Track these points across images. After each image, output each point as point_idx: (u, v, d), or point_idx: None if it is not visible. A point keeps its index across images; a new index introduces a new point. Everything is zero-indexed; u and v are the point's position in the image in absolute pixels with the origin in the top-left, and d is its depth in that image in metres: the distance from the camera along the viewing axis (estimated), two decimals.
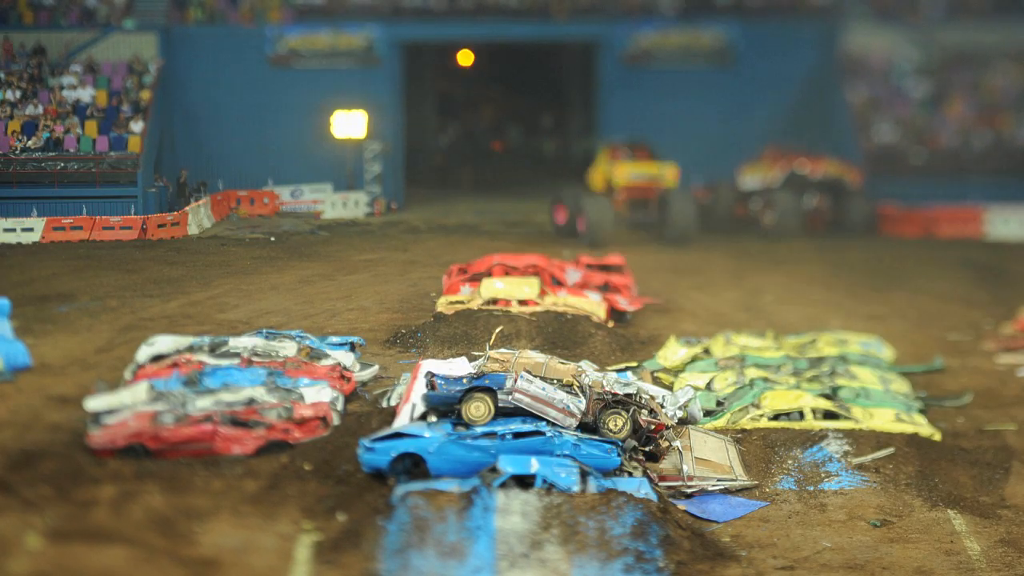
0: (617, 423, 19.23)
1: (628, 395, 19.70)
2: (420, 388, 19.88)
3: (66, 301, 28.12)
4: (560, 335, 25.73)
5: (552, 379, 19.77)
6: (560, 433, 18.68)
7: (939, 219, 40.26)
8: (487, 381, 19.13)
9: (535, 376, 19.49)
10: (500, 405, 18.97)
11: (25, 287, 28.74)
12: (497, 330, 24.19)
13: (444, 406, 19.20)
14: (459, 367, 21.13)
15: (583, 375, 20.28)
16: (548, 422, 18.89)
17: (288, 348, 23.18)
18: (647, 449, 19.62)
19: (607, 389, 19.79)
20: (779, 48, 42.92)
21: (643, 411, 19.67)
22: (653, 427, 19.65)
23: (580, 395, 19.42)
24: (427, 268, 32.66)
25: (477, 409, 18.94)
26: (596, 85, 45.31)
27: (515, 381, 19.07)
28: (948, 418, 23.15)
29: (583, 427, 19.11)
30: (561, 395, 19.16)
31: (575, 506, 16.74)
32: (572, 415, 19.01)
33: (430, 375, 19.62)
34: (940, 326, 29.78)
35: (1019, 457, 21.29)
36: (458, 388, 19.17)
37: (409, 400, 19.88)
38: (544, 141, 56.64)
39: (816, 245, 38.64)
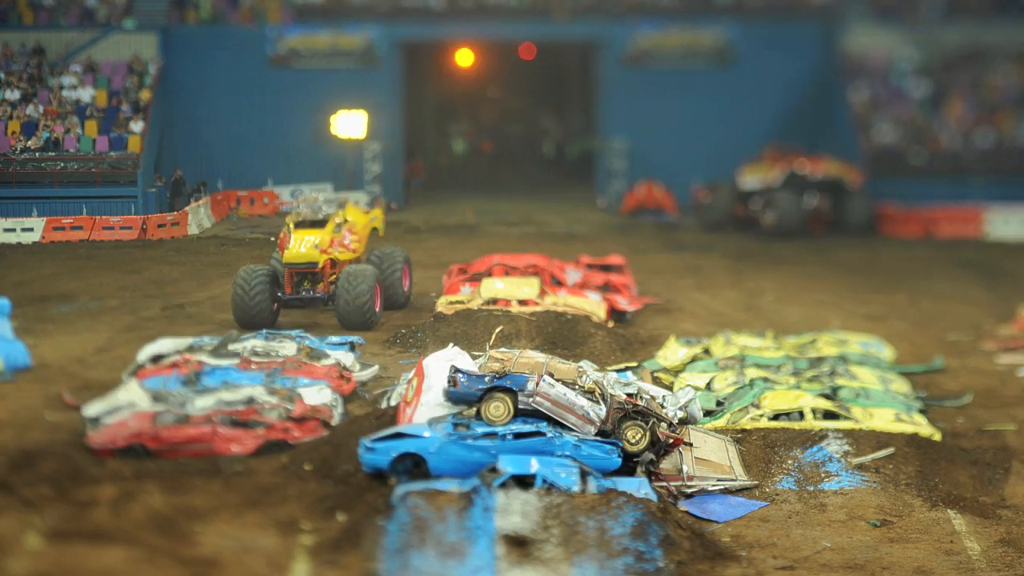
0: (636, 435, 19.10)
1: (648, 407, 19.62)
2: (429, 387, 19.70)
3: (66, 301, 28.14)
4: (560, 335, 25.73)
5: (573, 384, 19.67)
6: (560, 433, 18.67)
7: (939, 219, 40.24)
8: (508, 382, 19.02)
9: (557, 380, 19.40)
10: (520, 407, 18.88)
11: (25, 287, 28.75)
12: (497, 330, 24.19)
13: (464, 403, 19.15)
14: (458, 359, 20.87)
15: (585, 375, 20.25)
16: (562, 425, 18.82)
17: (288, 348, 23.20)
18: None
19: (628, 399, 19.72)
20: (779, 48, 42.88)
21: (662, 424, 19.58)
22: (671, 441, 19.58)
23: (601, 402, 19.33)
24: (427, 268, 32.64)
25: (496, 409, 18.82)
26: (596, 85, 45.30)
27: (538, 384, 18.99)
28: (948, 418, 23.15)
29: (601, 435, 19.02)
30: (582, 401, 19.06)
31: (575, 506, 16.74)
32: (592, 422, 18.93)
33: (453, 369, 19.53)
34: (940, 326, 29.78)
35: (1019, 457, 21.29)
36: (479, 387, 19.06)
37: (419, 398, 19.68)
38: (544, 141, 56.65)
39: (816, 245, 38.64)
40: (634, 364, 24.74)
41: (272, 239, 35.80)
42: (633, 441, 19.07)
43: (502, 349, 22.06)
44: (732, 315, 29.95)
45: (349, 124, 40.11)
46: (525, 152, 55.36)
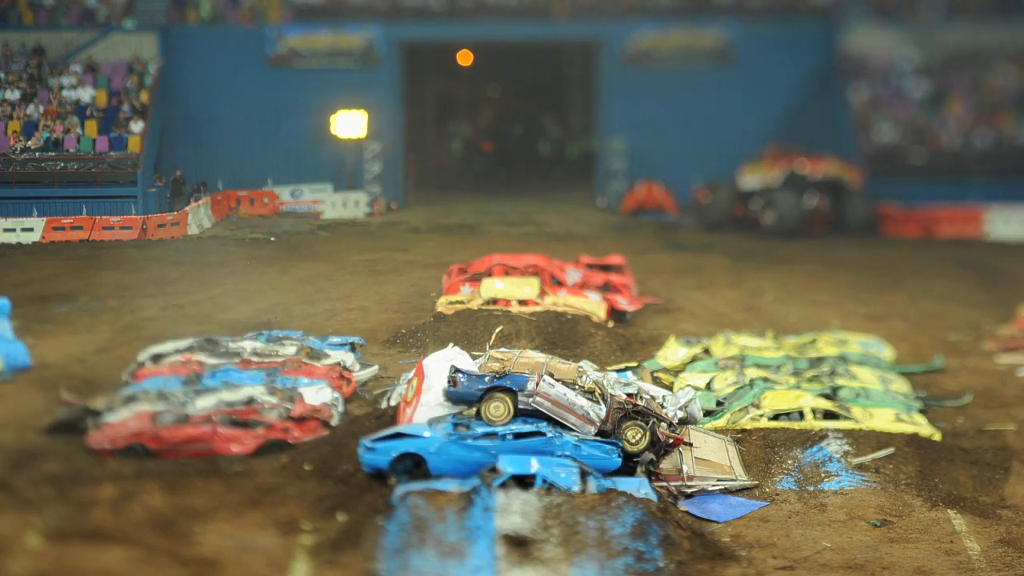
0: (636, 434, 19.11)
1: (648, 407, 19.64)
2: (429, 387, 19.71)
3: (66, 301, 28.13)
4: (560, 335, 25.73)
5: (573, 383, 19.68)
6: (560, 433, 18.68)
7: (939, 219, 40.23)
8: (508, 382, 19.05)
9: (557, 380, 19.41)
10: (520, 407, 18.89)
11: (25, 287, 28.74)
12: (497, 330, 24.20)
13: (464, 403, 19.17)
14: (458, 359, 20.89)
15: (585, 375, 20.25)
16: (562, 425, 18.83)
17: (288, 348, 23.21)
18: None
19: (628, 399, 19.73)
20: (779, 48, 42.86)
21: (662, 424, 19.59)
22: (671, 441, 19.59)
23: (601, 402, 19.33)
24: (427, 268, 32.66)
25: (496, 409, 18.84)
26: (596, 85, 45.30)
27: (538, 384, 18.99)
28: (948, 418, 23.16)
29: (601, 434, 19.03)
30: (582, 401, 19.07)
31: (575, 506, 16.75)
32: (592, 422, 18.95)
33: (453, 369, 19.55)
34: (940, 326, 29.78)
35: (1019, 457, 21.30)
36: (479, 387, 19.08)
37: (419, 398, 19.69)
38: (540, 141, 56.62)
39: (816, 245, 38.63)
40: (634, 364, 24.74)
41: (272, 239, 35.90)
42: (633, 441, 19.07)
43: (502, 349, 22.06)
44: (732, 315, 29.95)
45: (349, 124, 40.11)
46: (525, 152, 55.34)
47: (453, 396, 19.21)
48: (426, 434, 18.48)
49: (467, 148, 54.70)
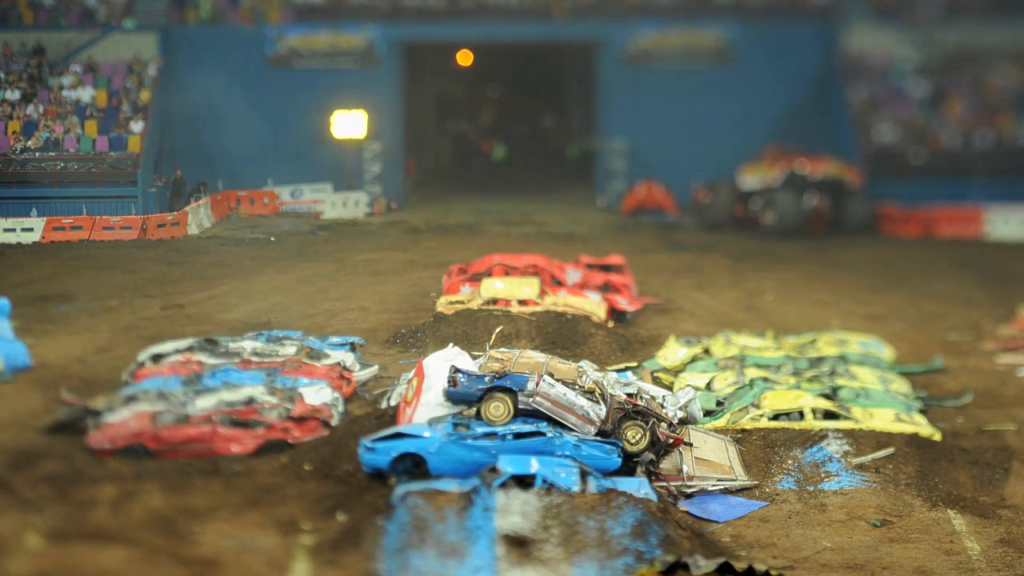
0: (636, 435, 19.12)
1: (648, 407, 19.65)
2: (429, 387, 19.72)
3: (66, 301, 28.14)
4: (560, 335, 25.73)
5: (573, 383, 19.68)
6: (560, 433, 18.68)
7: (939, 219, 40.24)
8: (508, 382, 19.06)
9: (557, 380, 19.42)
10: (520, 407, 18.90)
11: (25, 287, 28.74)
12: (497, 330, 24.19)
13: (464, 403, 19.18)
14: (458, 359, 20.90)
15: (585, 375, 20.26)
16: (562, 425, 18.84)
17: (288, 348, 23.22)
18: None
19: (628, 399, 19.74)
20: (779, 48, 42.89)
21: (662, 424, 19.60)
22: (671, 441, 19.60)
23: (601, 402, 19.33)
24: (427, 268, 32.67)
25: (496, 409, 18.85)
26: (596, 85, 45.32)
27: (538, 384, 19.00)
28: (948, 418, 23.16)
29: (601, 435, 19.04)
30: (582, 401, 19.08)
31: (575, 506, 16.75)
32: (592, 422, 18.96)
33: (453, 369, 19.56)
34: (940, 326, 29.78)
35: (1019, 457, 21.30)
36: (479, 387, 19.09)
37: (419, 398, 19.70)
38: (542, 142, 56.64)
39: (816, 245, 38.65)
40: (634, 364, 24.73)
41: (272, 239, 35.90)
42: (633, 441, 19.07)
43: (502, 349, 22.07)
44: (732, 315, 29.95)
45: (349, 124, 40.11)
46: (525, 152, 55.39)
47: (453, 396, 19.21)
48: (426, 434, 18.49)
49: (462, 148, 54.73)
